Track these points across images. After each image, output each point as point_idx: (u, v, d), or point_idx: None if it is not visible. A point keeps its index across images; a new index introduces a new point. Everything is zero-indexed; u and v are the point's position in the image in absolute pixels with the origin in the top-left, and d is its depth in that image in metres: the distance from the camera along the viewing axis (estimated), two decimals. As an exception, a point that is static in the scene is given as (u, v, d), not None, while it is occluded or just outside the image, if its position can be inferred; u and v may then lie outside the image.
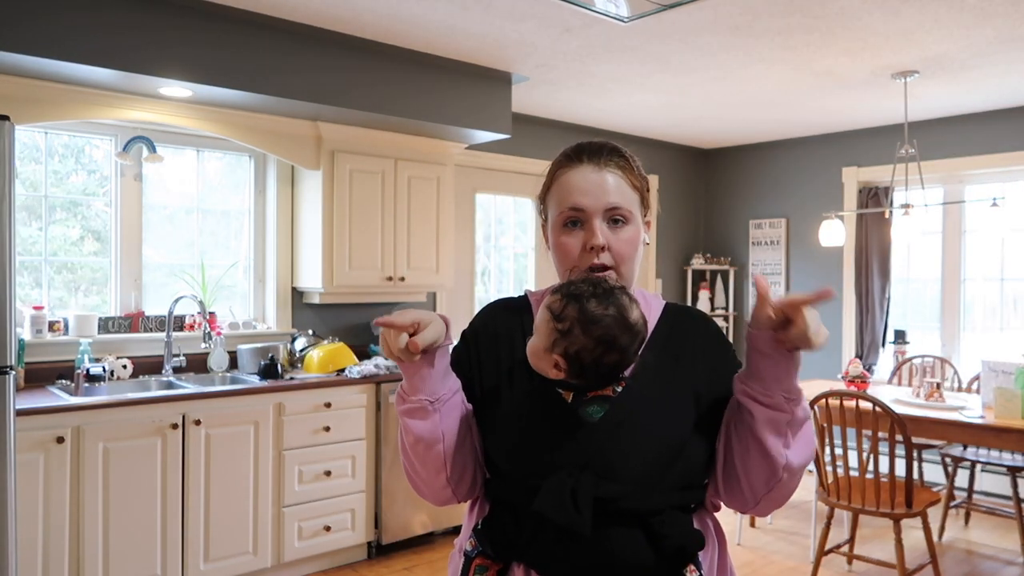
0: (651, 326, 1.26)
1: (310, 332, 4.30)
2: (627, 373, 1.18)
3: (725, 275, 6.42)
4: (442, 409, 1.16)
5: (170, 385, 3.68)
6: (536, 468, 1.11)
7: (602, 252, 1.21)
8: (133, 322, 3.83)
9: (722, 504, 1.25)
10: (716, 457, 1.19)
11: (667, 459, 1.13)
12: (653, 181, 6.24)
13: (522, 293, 1.36)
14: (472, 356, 1.27)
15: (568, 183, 1.25)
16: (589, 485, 1.07)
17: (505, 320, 1.28)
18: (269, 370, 3.74)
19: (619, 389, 1.15)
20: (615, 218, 1.23)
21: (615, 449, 1.11)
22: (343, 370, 3.93)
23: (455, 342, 1.23)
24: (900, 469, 4.90)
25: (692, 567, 1.12)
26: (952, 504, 4.44)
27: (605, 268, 1.21)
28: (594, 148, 1.27)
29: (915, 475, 4.61)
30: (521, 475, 1.14)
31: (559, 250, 1.25)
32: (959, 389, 4.67)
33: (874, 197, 5.58)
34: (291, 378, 3.78)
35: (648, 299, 1.31)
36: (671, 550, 1.10)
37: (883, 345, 5.56)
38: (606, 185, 1.23)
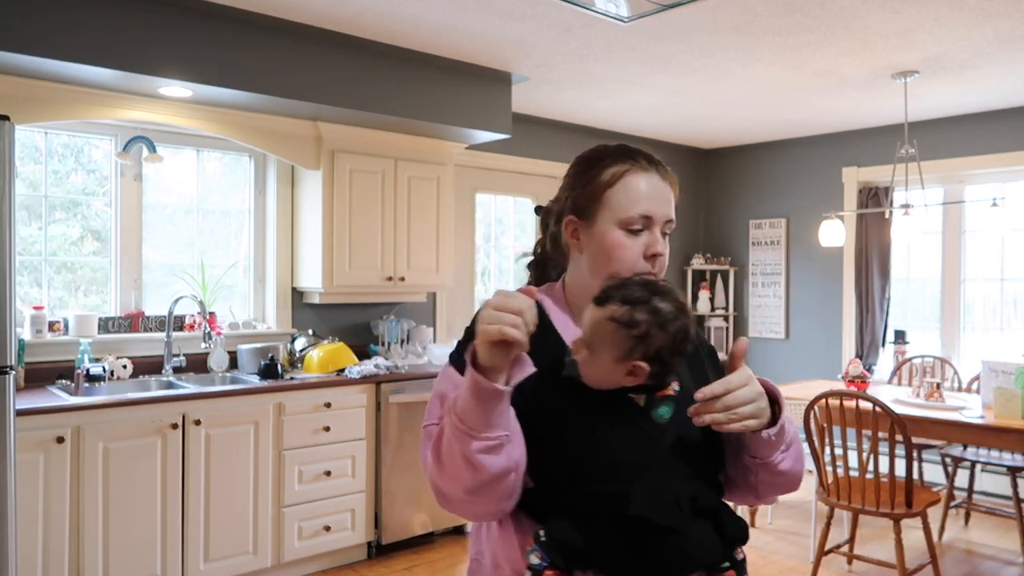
0: None
1: (310, 332, 4.30)
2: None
3: (725, 275, 6.42)
4: (514, 439, 1.10)
5: (170, 385, 3.68)
6: (619, 474, 1.11)
7: (657, 260, 1.24)
8: (133, 322, 3.83)
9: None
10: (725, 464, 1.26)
11: (713, 453, 1.20)
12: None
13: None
14: None
15: (638, 188, 1.23)
16: (686, 487, 1.12)
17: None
18: (269, 370, 3.74)
19: (677, 388, 1.18)
20: (664, 231, 1.26)
21: (684, 447, 1.15)
22: (343, 370, 3.93)
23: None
24: (900, 469, 4.90)
25: (739, 549, 1.20)
26: (952, 504, 4.44)
27: (654, 276, 1.24)
28: (652, 156, 1.27)
29: (915, 475, 4.61)
30: (598, 483, 1.12)
31: (617, 252, 1.22)
32: (959, 389, 4.67)
33: (874, 197, 5.58)
34: (291, 378, 3.78)
35: None
36: (730, 538, 1.17)
37: (883, 345, 5.56)
38: (668, 197, 1.26)
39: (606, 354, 1.13)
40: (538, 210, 1.45)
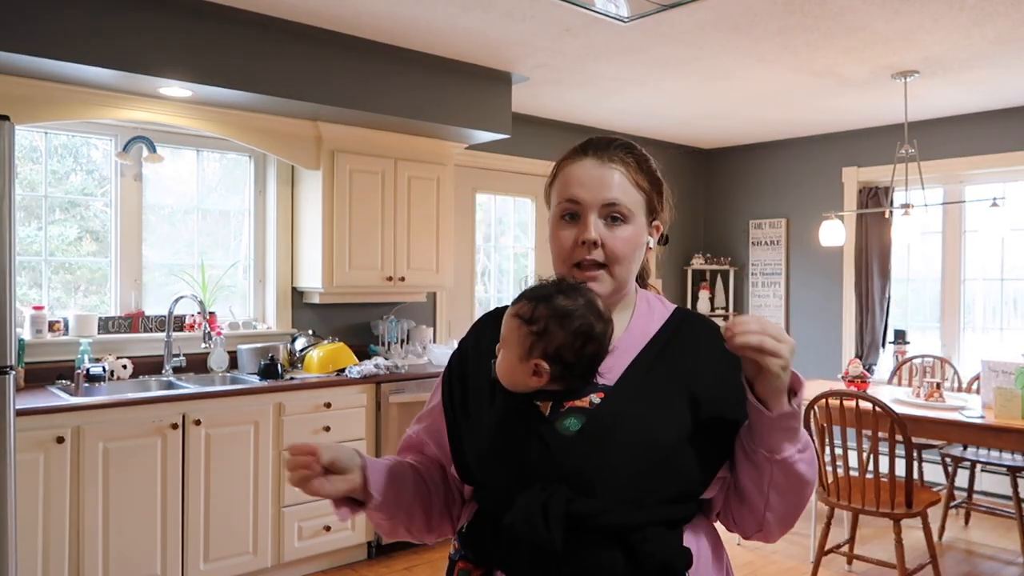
0: (653, 331, 1.22)
1: (310, 332, 4.30)
2: (611, 383, 1.15)
3: (725, 275, 6.42)
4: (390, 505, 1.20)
5: (170, 385, 3.68)
6: (513, 482, 1.09)
7: (594, 248, 1.17)
8: (133, 322, 3.83)
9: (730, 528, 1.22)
10: (732, 487, 1.17)
11: (651, 473, 1.08)
12: (653, 181, 6.23)
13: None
14: (460, 373, 1.27)
15: (569, 175, 1.22)
16: (560, 501, 1.04)
17: (494, 334, 1.22)
18: (269, 370, 3.74)
19: (597, 401, 1.11)
20: (613, 215, 1.19)
21: (592, 464, 1.07)
22: (343, 370, 3.93)
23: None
24: (900, 469, 4.90)
25: None
26: (952, 504, 4.44)
27: (597, 265, 1.18)
28: (602, 143, 1.24)
29: (915, 475, 4.60)
30: (499, 488, 1.12)
31: (554, 242, 1.22)
32: (959, 389, 4.67)
33: (874, 197, 5.58)
34: (291, 378, 3.78)
35: (651, 303, 1.27)
36: (653, 568, 1.06)
37: (883, 345, 5.56)
38: (606, 180, 1.19)
39: (512, 351, 1.12)
40: None
